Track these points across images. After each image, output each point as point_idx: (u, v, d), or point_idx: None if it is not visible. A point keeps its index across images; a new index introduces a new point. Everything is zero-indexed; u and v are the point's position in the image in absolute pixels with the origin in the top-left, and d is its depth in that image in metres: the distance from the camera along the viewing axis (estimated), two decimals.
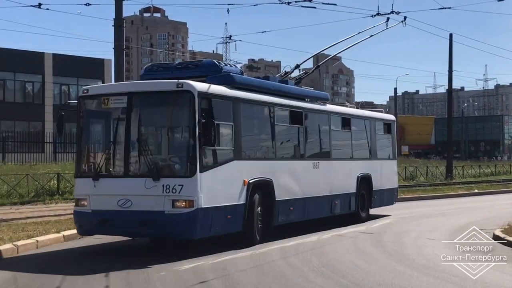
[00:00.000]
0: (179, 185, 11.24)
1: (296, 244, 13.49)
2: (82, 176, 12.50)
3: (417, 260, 11.80)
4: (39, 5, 22.37)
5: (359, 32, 20.91)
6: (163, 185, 11.25)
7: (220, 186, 12.07)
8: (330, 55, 22.69)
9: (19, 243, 12.69)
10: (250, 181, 12.87)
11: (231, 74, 13.52)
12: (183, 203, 11.24)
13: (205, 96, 11.82)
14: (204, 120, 11.41)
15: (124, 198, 11.47)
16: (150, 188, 11.27)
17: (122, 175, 11.92)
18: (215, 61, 14.00)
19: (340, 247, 13.54)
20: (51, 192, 25.89)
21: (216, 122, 11.59)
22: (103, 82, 46.03)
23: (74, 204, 12.70)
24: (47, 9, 23.07)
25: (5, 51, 49.34)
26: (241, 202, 12.59)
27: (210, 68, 13.29)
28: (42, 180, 26.42)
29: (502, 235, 14.22)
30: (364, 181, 18.46)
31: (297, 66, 18.42)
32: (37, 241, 13.10)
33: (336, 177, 17.06)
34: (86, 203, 11.93)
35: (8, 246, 12.35)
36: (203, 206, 11.40)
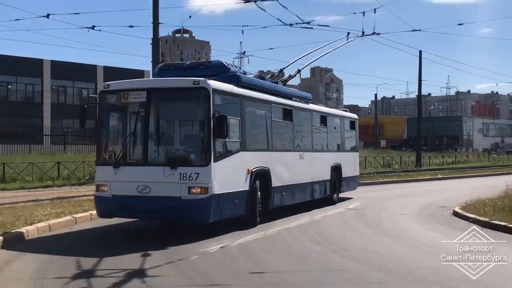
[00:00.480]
0: (195, 173, 10.04)
1: (295, 222, 13.23)
2: (103, 164, 11.08)
3: (392, 231, 11.80)
4: (93, 27, 22.40)
5: (325, 45, 19.80)
6: (180, 173, 10.05)
7: (229, 174, 10.83)
8: (307, 61, 20.38)
9: (77, 215, 12.77)
10: (253, 170, 11.71)
11: (238, 74, 12.40)
12: (199, 190, 10.04)
13: (218, 93, 10.68)
14: (217, 115, 10.23)
15: (143, 184, 10.24)
16: (168, 176, 10.06)
17: (142, 164, 10.56)
18: (223, 62, 12.50)
19: (331, 221, 13.55)
20: None
21: (227, 116, 10.39)
22: None
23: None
24: (99, 30, 23.08)
25: (66, 64, 49.57)
26: (246, 188, 11.44)
27: (219, 69, 12.00)
28: (95, 166, 26.55)
29: (460, 211, 14.22)
30: (336, 169, 17.41)
31: (281, 70, 16.93)
32: (91, 214, 13.12)
33: (315, 166, 15.95)
34: (106, 189, 10.65)
35: (68, 217, 12.44)
36: (216, 193, 10.23)
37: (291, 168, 14.16)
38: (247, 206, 11.52)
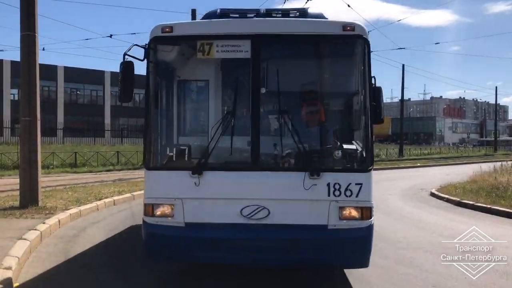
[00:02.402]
0: (356, 184, 4.70)
1: None
2: (166, 167, 5.10)
3: (382, 208, 11.75)
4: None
5: None
6: (328, 184, 4.68)
7: None
8: None
9: (135, 193, 12.89)
10: None
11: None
12: (357, 213, 4.73)
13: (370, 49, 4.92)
14: (373, 83, 4.96)
15: (255, 204, 4.72)
16: (309, 189, 4.65)
17: (251, 168, 4.76)
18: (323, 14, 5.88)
19: None
20: None
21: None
22: None
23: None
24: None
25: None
26: None
27: None
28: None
29: (436, 192, 14.16)
30: None
31: None
32: None
33: None
34: (171, 212, 4.83)
35: (128, 195, 12.58)
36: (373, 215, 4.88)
37: None
38: None
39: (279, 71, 4.91)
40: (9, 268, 5.41)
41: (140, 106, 50.36)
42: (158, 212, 4.87)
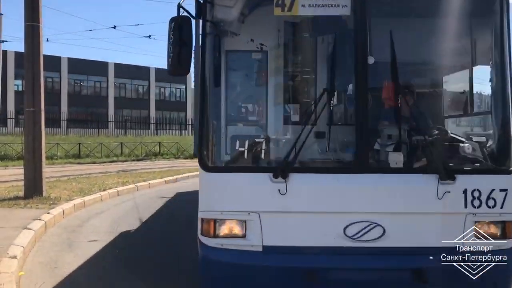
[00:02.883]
0: (501, 190, 3.32)
1: None
2: (234, 169, 3.50)
3: None
4: (149, 36, 22.63)
5: None
6: (464, 191, 3.30)
7: None
8: None
9: (138, 184, 12.95)
10: None
11: None
12: (498, 229, 3.42)
13: None
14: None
15: (364, 220, 3.31)
16: (442, 198, 3.25)
17: (357, 169, 3.33)
18: None
19: None
20: (155, 153, 26.46)
21: None
22: None
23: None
24: (154, 38, 23.22)
25: (127, 66, 49.69)
26: None
27: None
28: (150, 146, 26.93)
29: None
30: None
31: None
32: (149, 183, 13.30)
33: None
34: (243, 231, 3.38)
35: (132, 186, 12.63)
36: None
37: None
38: None
39: (392, 35, 3.40)
40: (14, 257, 5.47)
41: (144, 97, 50.49)
42: (224, 231, 3.45)
